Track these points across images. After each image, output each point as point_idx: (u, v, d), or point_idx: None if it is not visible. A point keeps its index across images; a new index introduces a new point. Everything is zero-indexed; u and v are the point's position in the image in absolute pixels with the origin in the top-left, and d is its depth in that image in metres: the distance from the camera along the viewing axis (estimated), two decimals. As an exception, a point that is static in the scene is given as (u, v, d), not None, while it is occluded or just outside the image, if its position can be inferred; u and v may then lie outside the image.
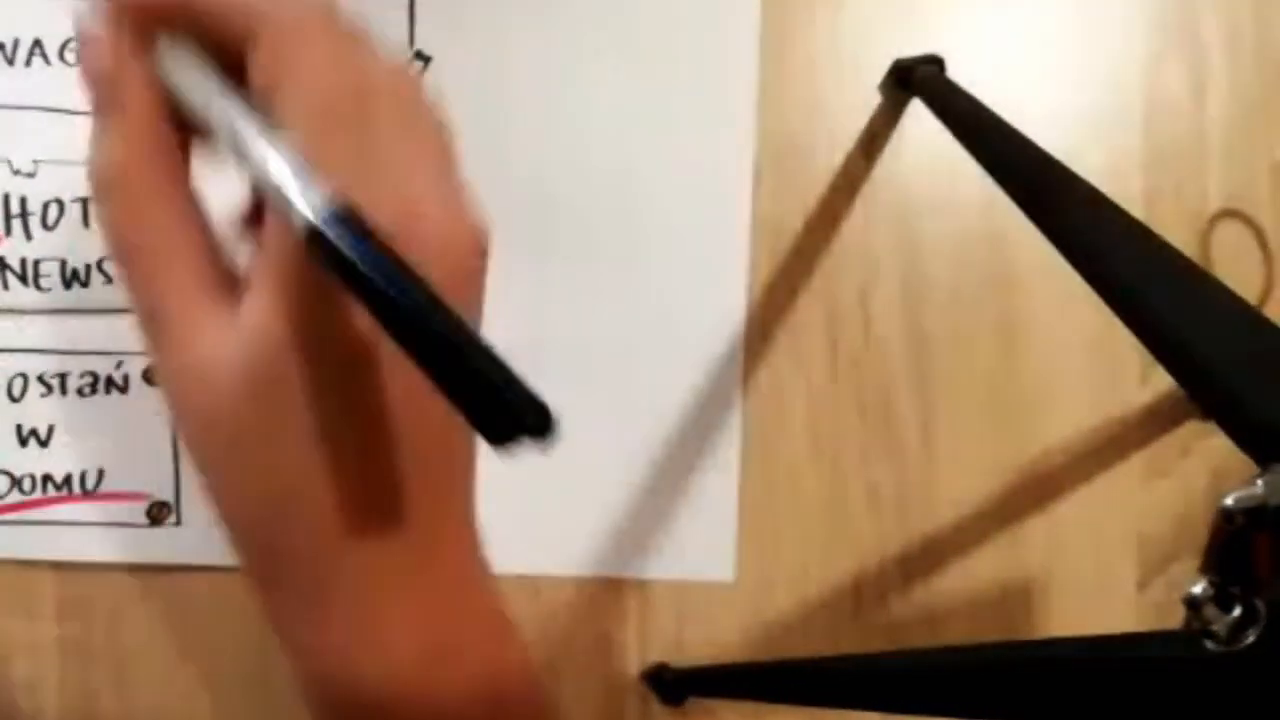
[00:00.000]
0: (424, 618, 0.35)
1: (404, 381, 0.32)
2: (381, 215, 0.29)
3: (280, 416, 0.32)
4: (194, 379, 0.33)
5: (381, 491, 0.33)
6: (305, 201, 0.28)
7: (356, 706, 0.35)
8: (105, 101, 0.33)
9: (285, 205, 0.28)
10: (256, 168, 0.29)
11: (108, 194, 0.33)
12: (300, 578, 0.34)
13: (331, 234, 0.27)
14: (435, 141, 0.34)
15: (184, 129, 0.34)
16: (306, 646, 0.35)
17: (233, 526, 0.35)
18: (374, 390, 0.32)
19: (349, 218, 0.27)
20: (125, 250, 0.33)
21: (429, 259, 0.29)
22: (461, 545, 0.36)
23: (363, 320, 0.30)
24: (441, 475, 0.35)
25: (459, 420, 0.28)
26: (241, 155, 0.30)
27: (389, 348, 0.28)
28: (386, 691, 0.35)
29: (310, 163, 0.29)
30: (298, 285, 0.30)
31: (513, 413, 0.26)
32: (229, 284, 0.33)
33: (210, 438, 0.34)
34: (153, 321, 0.33)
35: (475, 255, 0.34)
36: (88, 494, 0.53)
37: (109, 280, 0.52)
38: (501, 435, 0.26)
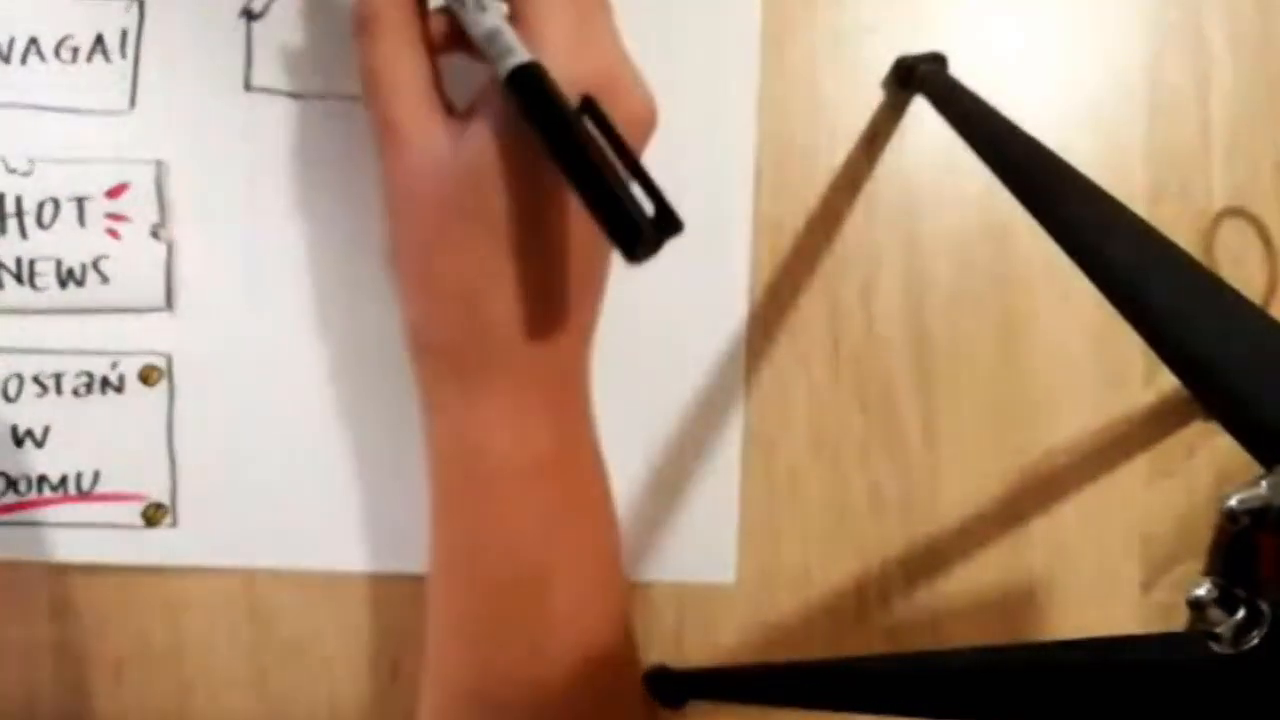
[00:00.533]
0: (551, 424, 0.45)
1: (575, 223, 0.43)
2: (590, 78, 0.41)
3: (483, 218, 0.42)
4: (418, 173, 0.43)
5: (548, 304, 0.44)
6: (510, 60, 0.40)
7: (479, 490, 0.45)
8: None
9: (498, 61, 0.40)
10: (484, 34, 0.41)
11: (363, 30, 0.43)
12: (469, 361, 0.44)
13: (522, 84, 0.39)
14: (618, 37, 0.45)
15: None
16: (463, 422, 0.45)
17: (423, 311, 0.45)
18: (554, 221, 0.43)
19: (537, 73, 0.39)
20: (372, 73, 0.44)
21: (619, 119, 0.40)
22: (582, 378, 0.48)
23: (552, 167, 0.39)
24: (589, 306, 0.46)
25: (605, 260, 0.46)
26: (474, 24, 0.42)
27: (569, 194, 0.38)
28: (508, 477, 0.45)
29: (538, 32, 0.41)
30: (510, 124, 0.41)
31: (635, 223, 0.37)
32: (449, 109, 0.44)
33: (422, 226, 0.43)
34: (387, 129, 0.43)
35: (647, 125, 0.45)
36: (83, 495, 0.53)
37: (105, 280, 0.52)
38: (626, 242, 0.37)
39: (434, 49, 0.45)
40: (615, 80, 0.43)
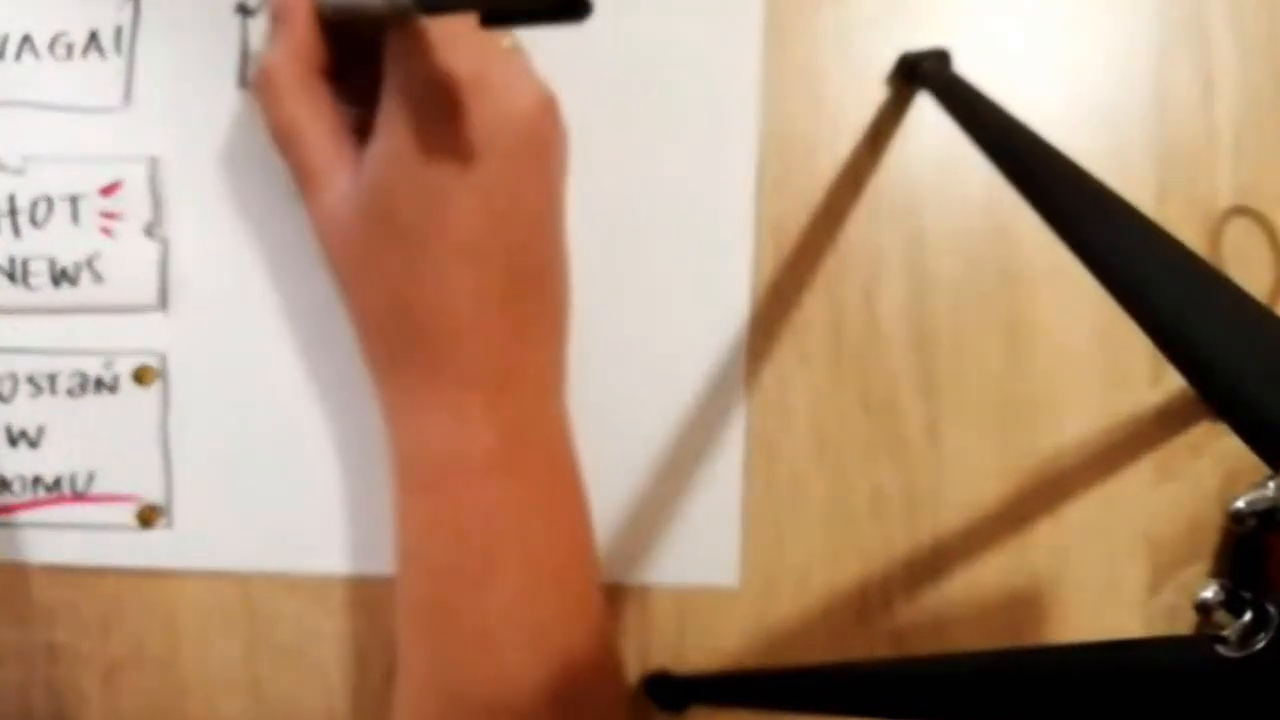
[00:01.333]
0: (499, 421, 0.47)
1: (492, 222, 0.45)
2: (458, 79, 0.44)
3: (394, 233, 0.45)
4: (333, 208, 0.47)
5: (476, 305, 0.46)
6: None
7: (429, 486, 0.47)
8: (278, 22, 0.47)
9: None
10: None
11: (262, 90, 0.47)
12: (408, 367, 0.47)
13: None
14: (495, 34, 0.45)
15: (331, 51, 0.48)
16: (410, 424, 0.48)
17: (364, 325, 0.48)
18: (465, 222, 0.45)
19: None
20: (278, 130, 0.47)
21: (497, 113, 0.44)
22: (539, 378, 0.49)
23: (444, 164, 0.44)
24: (528, 304, 0.48)
25: (562, 264, 0.49)
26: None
27: (473, 195, 0.44)
28: (456, 473, 0.47)
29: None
30: (403, 139, 0.44)
31: None
32: (355, 152, 0.47)
33: (347, 257, 0.47)
34: (301, 176, 0.47)
35: (542, 115, 0.46)
36: (78, 496, 0.53)
37: (99, 279, 0.52)
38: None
39: (333, 75, 0.48)
40: (486, 77, 0.45)
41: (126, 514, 0.53)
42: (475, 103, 0.44)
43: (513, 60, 0.47)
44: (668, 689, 0.55)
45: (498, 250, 0.46)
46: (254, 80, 0.48)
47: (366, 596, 0.55)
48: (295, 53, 0.47)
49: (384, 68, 0.46)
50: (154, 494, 0.53)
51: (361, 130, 0.47)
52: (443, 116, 0.44)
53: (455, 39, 0.44)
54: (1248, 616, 0.25)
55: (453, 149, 0.44)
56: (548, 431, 0.50)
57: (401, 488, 0.48)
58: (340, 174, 0.46)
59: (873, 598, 0.57)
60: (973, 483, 0.57)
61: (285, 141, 0.47)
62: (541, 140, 0.47)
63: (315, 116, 0.47)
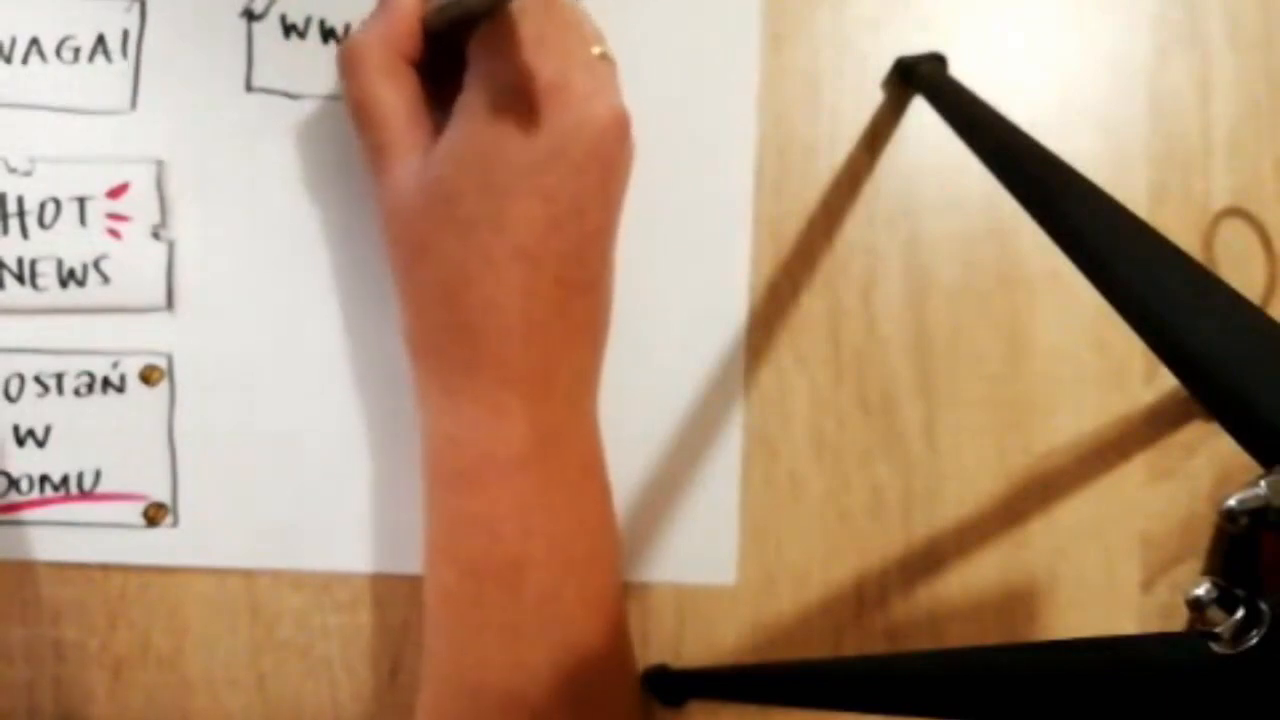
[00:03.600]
0: (533, 418, 0.47)
1: (546, 229, 0.46)
2: (539, 82, 0.44)
3: (454, 225, 0.45)
4: (400, 190, 0.47)
5: (524, 306, 0.46)
6: None
7: (460, 479, 0.48)
8: (380, 6, 0.48)
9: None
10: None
11: (346, 66, 0.48)
12: (451, 361, 0.47)
13: None
14: (587, 40, 0.47)
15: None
16: (445, 415, 0.48)
17: (413, 309, 0.48)
18: (521, 224, 0.45)
19: None
20: (357, 105, 0.48)
21: (574, 122, 0.45)
22: (575, 381, 0.49)
23: (512, 164, 0.45)
24: (577, 309, 0.48)
25: (609, 279, 0.50)
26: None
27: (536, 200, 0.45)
28: (488, 467, 0.47)
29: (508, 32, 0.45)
30: (474, 134, 0.45)
31: None
32: (430, 138, 0.47)
33: (406, 237, 0.47)
34: (374, 154, 0.48)
35: (617, 131, 0.47)
36: (85, 494, 0.53)
37: (105, 280, 0.52)
38: None
39: (421, 63, 0.49)
40: (568, 85, 0.45)
41: (133, 512, 0.53)
42: (554, 108, 0.45)
43: (598, 70, 0.47)
44: (667, 683, 0.55)
45: (551, 257, 0.46)
46: (340, 55, 0.48)
47: (371, 593, 0.55)
48: (387, 36, 0.47)
49: (469, 58, 0.47)
50: (160, 493, 0.53)
51: (438, 126, 0.48)
52: (519, 116, 0.44)
53: (544, 40, 0.45)
54: (1240, 614, 0.25)
55: (523, 150, 0.45)
56: (581, 433, 0.50)
57: (432, 480, 0.49)
58: (412, 154, 0.47)
59: (869, 596, 0.57)
60: (969, 481, 0.57)
61: (364, 115, 0.48)
62: (610, 157, 0.47)
63: (396, 96, 0.47)
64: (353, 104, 0.48)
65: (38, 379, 0.53)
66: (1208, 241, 0.58)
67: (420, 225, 0.46)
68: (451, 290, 0.46)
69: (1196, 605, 0.25)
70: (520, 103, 0.44)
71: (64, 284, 0.52)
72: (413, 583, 0.54)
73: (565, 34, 0.46)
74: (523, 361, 0.47)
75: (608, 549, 0.51)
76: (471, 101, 0.46)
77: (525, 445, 0.47)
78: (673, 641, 0.56)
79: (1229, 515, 0.26)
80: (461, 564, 0.48)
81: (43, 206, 0.52)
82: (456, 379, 0.47)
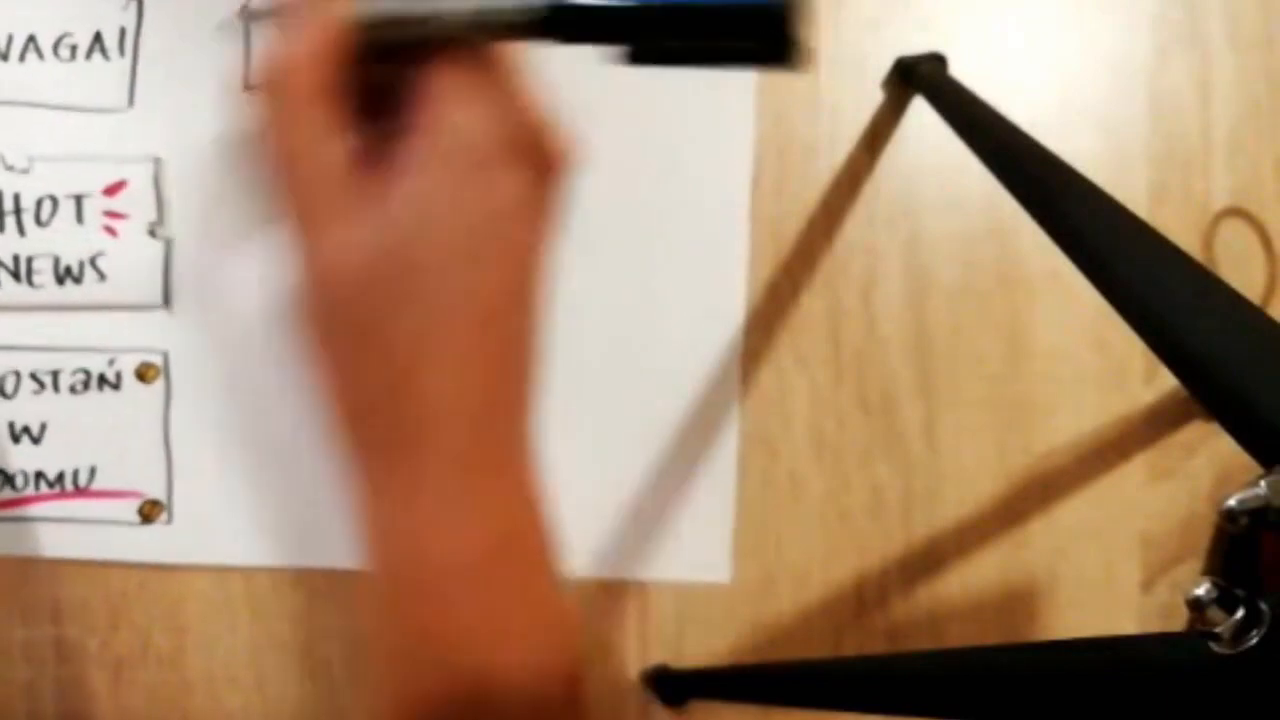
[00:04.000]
0: (495, 510, 0.40)
1: (506, 291, 0.39)
2: (520, 126, 0.37)
3: (411, 297, 0.37)
4: (330, 266, 0.38)
5: (485, 379, 0.39)
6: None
7: (421, 590, 0.39)
8: (305, 9, 0.37)
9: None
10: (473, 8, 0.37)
11: (281, 91, 0.37)
12: (397, 455, 0.39)
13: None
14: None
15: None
16: (387, 527, 0.40)
17: (350, 406, 0.39)
18: (484, 290, 0.38)
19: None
20: (285, 147, 0.37)
21: (544, 174, 0.38)
22: (526, 456, 0.41)
23: (484, 223, 0.37)
24: (525, 385, 0.41)
25: (535, 339, 0.40)
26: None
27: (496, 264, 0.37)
28: (452, 574, 0.39)
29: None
30: (439, 184, 0.37)
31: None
32: (367, 193, 0.37)
33: (344, 319, 0.38)
34: (301, 214, 0.38)
35: (568, 179, 0.39)
36: (80, 491, 0.53)
37: (102, 277, 0.52)
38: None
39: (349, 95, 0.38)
40: (541, 132, 0.39)
41: (128, 509, 0.53)
42: (526, 158, 0.38)
43: (553, 117, 0.40)
44: (668, 683, 0.55)
45: (520, 319, 0.40)
46: (262, 82, 0.37)
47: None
48: (320, 53, 0.37)
49: (428, 92, 0.37)
50: (155, 490, 0.53)
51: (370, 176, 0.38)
52: (492, 169, 0.37)
53: (514, 82, 0.38)
54: (1240, 614, 0.25)
55: (495, 208, 0.37)
56: (536, 501, 0.42)
57: (388, 601, 0.41)
58: (349, 217, 0.37)
59: (869, 595, 0.57)
60: (969, 481, 0.57)
61: (288, 167, 0.37)
62: (562, 204, 0.40)
63: (329, 139, 0.37)
64: (274, 150, 0.37)
65: (34, 376, 0.53)
66: (1208, 241, 0.58)
67: (363, 304, 0.38)
68: (402, 376, 0.38)
69: (1196, 605, 0.25)
70: (493, 152, 0.37)
71: (61, 281, 0.52)
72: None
73: (536, 74, 0.39)
74: (484, 444, 0.40)
75: (571, 642, 0.43)
76: (431, 150, 0.37)
77: (492, 543, 0.40)
78: (673, 641, 0.56)
79: (1229, 515, 0.26)
80: (423, 669, 0.40)
81: (40, 204, 0.52)
82: (405, 466, 0.39)
